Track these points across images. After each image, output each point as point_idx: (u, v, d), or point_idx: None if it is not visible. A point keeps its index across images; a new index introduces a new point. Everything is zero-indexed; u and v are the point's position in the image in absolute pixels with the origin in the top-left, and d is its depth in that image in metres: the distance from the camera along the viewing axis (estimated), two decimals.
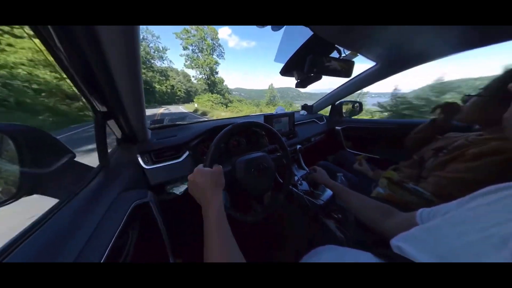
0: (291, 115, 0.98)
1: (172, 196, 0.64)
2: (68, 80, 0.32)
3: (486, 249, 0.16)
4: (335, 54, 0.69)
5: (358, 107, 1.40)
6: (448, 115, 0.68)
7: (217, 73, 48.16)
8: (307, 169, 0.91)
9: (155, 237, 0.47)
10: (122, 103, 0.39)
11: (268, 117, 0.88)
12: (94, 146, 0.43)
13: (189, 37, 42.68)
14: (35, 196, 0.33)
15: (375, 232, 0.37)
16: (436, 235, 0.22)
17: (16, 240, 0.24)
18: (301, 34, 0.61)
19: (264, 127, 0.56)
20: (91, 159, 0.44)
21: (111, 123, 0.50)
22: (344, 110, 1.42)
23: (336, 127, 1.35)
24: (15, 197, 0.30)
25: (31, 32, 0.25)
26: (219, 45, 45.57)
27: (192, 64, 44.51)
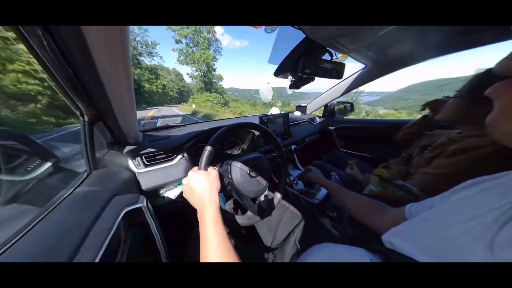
0: (285, 116, 0.99)
1: (166, 200, 0.62)
2: (49, 81, 0.30)
3: (468, 240, 0.16)
4: (326, 57, 0.71)
5: (349, 107, 1.44)
6: (436, 112, 0.73)
7: (214, 70, 41.02)
8: (302, 168, 0.93)
9: (149, 243, 0.45)
10: (111, 106, 0.37)
11: (263, 118, 0.89)
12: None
13: (183, 28, 35.73)
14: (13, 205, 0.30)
15: (368, 228, 0.39)
16: (421, 228, 0.23)
17: None
18: (294, 36, 0.62)
19: (260, 128, 0.56)
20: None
21: (100, 125, 0.48)
22: (336, 111, 1.46)
23: (329, 127, 1.39)
24: None
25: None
26: (216, 39, 39.10)
27: (187, 59, 36.28)
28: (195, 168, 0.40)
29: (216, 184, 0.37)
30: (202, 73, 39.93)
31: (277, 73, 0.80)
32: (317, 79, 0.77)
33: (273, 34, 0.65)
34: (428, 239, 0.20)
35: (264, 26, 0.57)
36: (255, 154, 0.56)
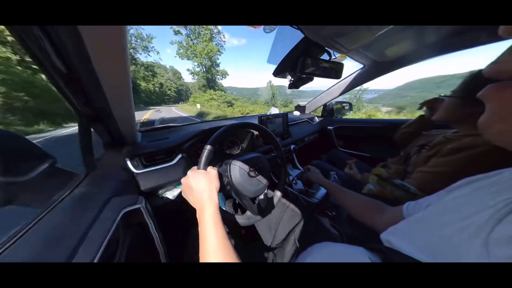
0: (285, 115, 0.99)
1: (165, 201, 0.62)
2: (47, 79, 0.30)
3: (464, 238, 0.17)
4: (325, 57, 0.71)
5: (348, 107, 1.45)
6: (433, 111, 0.73)
7: (218, 65, 35.47)
8: (302, 168, 0.93)
9: (148, 244, 0.45)
10: (109, 105, 0.37)
11: (262, 118, 0.89)
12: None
13: None
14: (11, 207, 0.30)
15: (367, 227, 0.39)
16: (418, 227, 0.23)
17: None
18: (293, 36, 0.62)
19: (259, 128, 0.56)
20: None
21: (97, 125, 0.47)
22: (335, 110, 1.47)
23: (328, 127, 1.39)
24: None
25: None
26: (219, 31, 34.50)
27: (187, 53, 30.92)
28: (194, 167, 0.40)
29: (216, 184, 0.37)
30: (205, 68, 34.65)
31: (276, 73, 0.80)
32: (315, 78, 0.77)
33: (272, 33, 0.65)
34: (425, 237, 0.20)
35: (262, 26, 0.57)
36: (254, 154, 0.56)
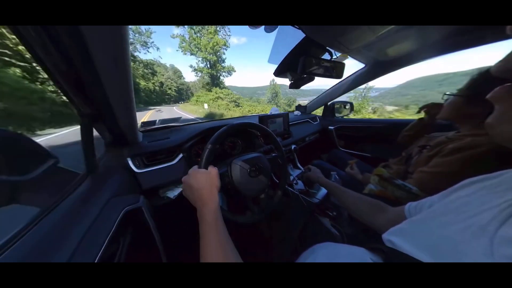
0: (285, 115, 0.99)
1: (166, 201, 0.62)
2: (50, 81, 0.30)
3: (467, 238, 0.17)
4: (326, 56, 0.71)
5: (349, 107, 1.45)
6: (432, 115, 0.73)
7: (223, 61, 30.12)
8: (302, 168, 0.93)
9: (149, 243, 0.45)
10: (111, 105, 0.37)
11: (263, 118, 0.89)
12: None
13: None
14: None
15: (368, 227, 0.39)
16: (422, 227, 0.23)
17: None
18: (294, 36, 0.62)
19: (259, 127, 0.56)
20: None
21: (99, 125, 0.48)
22: (336, 110, 1.46)
23: (329, 127, 1.39)
24: None
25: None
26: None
27: (191, 46, 26.76)
28: (195, 166, 0.40)
29: (216, 183, 0.37)
30: (209, 64, 29.35)
31: (277, 73, 0.79)
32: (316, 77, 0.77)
33: (273, 33, 0.64)
34: (428, 238, 0.20)
35: (263, 26, 0.57)
36: (255, 153, 0.56)
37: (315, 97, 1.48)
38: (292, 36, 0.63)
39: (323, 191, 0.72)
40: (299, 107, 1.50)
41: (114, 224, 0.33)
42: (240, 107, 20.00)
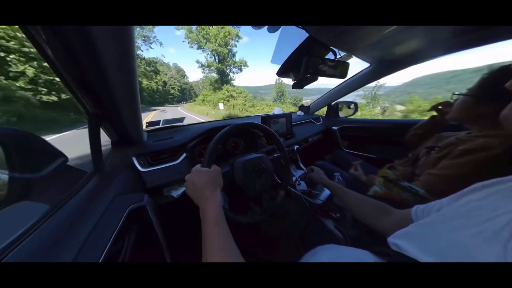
0: (288, 115, 0.99)
1: (170, 199, 0.63)
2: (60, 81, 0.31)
3: (478, 244, 0.16)
4: (330, 56, 0.70)
5: (353, 107, 1.42)
6: (443, 114, 0.71)
7: (234, 55, 25.91)
8: (305, 169, 0.92)
9: (152, 241, 0.46)
10: (117, 104, 0.38)
11: (265, 118, 0.88)
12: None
13: None
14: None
15: (372, 230, 0.38)
16: (430, 231, 0.22)
17: (7, 247, 0.23)
18: (297, 36, 0.62)
19: (262, 128, 0.56)
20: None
21: (105, 125, 0.49)
22: (340, 111, 1.44)
23: (333, 127, 1.37)
24: (4, 203, 0.29)
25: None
26: None
27: (199, 37, 22.49)
28: (198, 165, 0.40)
29: (219, 182, 0.37)
30: (218, 58, 25.10)
31: (279, 73, 0.79)
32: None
33: (276, 32, 0.64)
34: (436, 242, 0.20)
35: (267, 26, 0.57)
36: (257, 154, 0.56)
37: (317, 95, 1.46)
38: (295, 35, 0.62)
39: (326, 192, 0.71)
40: (302, 107, 1.49)
41: (120, 222, 0.33)
42: (256, 107, 17.04)
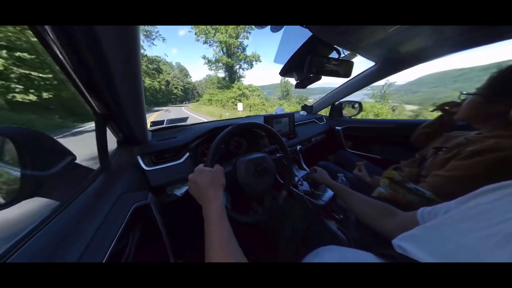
0: (291, 115, 0.98)
1: (173, 198, 0.64)
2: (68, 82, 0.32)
3: (489, 247, 0.16)
4: (334, 55, 0.69)
5: (357, 107, 1.40)
6: (450, 113, 0.69)
7: (244, 49, 22.67)
8: (308, 169, 0.91)
9: (156, 239, 0.47)
10: (122, 105, 0.39)
11: (268, 118, 0.88)
12: None
13: None
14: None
15: (376, 232, 0.37)
16: (437, 234, 0.22)
17: (19, 242, 0.24)
18: (300, 35, 0.61)
19: (265, 128, 0.56)
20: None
21: (111, 125, 0.50)
22: (344, 111, 1.42)
23: (336, 127, 1.35)
24: (16, 200, 0.30)
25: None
26: None
27: (207, 29, 20.11)
28: (201, 165, 0.41)
29: (221, 181, 0.37)
30: (228, 52, 22.15)
31: (282, 72, 0.79)
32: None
33: (278, 32, 0.64)
34: (443, 245, 0.19)
35: (269, 26, 0.57)
36: (260, 154, 0.56)
37: (325, 95, 1.44)
38: (298, 35, 0.62)
39: (330, 193, 0.71)
40: (305, 107, 1.48)
41: (124, 220, 0.34)
42: (274, 107, 15.15)
